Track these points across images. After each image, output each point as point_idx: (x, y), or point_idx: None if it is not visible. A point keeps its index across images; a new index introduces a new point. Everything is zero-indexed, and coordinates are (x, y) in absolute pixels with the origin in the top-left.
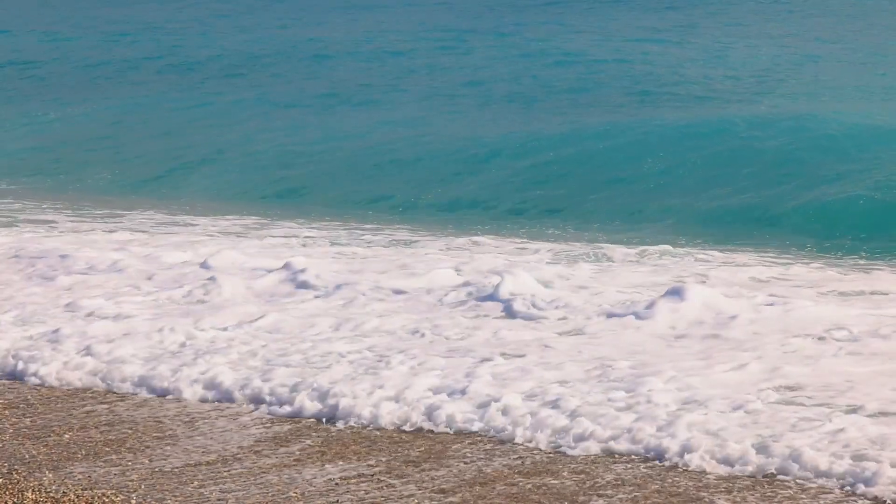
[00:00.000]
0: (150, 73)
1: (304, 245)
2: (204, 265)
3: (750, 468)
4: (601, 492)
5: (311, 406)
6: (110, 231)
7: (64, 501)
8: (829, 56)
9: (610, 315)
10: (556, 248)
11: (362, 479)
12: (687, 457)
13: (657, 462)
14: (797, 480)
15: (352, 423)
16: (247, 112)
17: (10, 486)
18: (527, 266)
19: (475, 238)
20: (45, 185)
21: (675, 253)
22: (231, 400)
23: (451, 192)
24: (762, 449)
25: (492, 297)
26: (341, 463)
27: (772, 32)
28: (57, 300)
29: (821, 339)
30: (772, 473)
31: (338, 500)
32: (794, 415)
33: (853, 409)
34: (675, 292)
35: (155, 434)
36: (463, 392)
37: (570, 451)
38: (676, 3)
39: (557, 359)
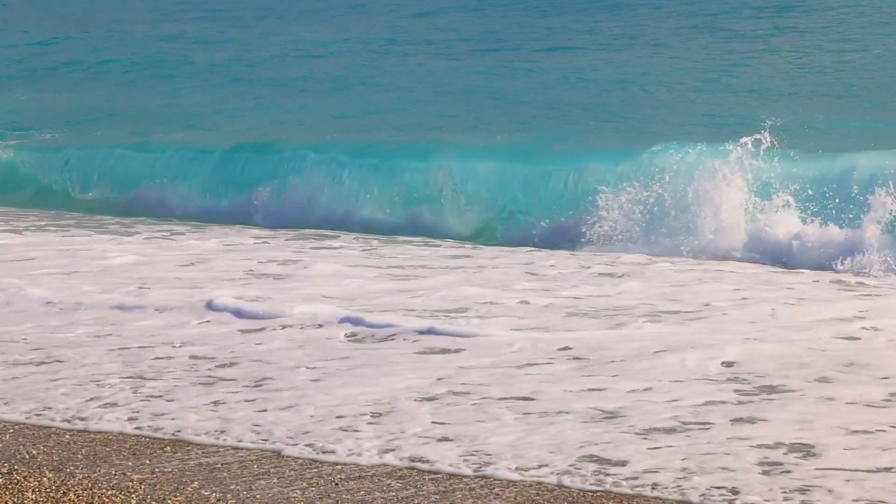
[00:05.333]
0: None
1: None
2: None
3: None
4: None
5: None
6: None
7: (64, 501)
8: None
9: None
10: None
11: (363, 478)
12: None
13: None
14: None
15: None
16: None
17: (10, 486)
18: None
19: None
20: None
21: None
22: None
23: None
24: None
25: None
26: (339, 465)
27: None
28: None
29: None
30: None
31: (338, 500)
32: None
33: None
34: None
35: (155, 434)
36: None
37: None
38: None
39: None
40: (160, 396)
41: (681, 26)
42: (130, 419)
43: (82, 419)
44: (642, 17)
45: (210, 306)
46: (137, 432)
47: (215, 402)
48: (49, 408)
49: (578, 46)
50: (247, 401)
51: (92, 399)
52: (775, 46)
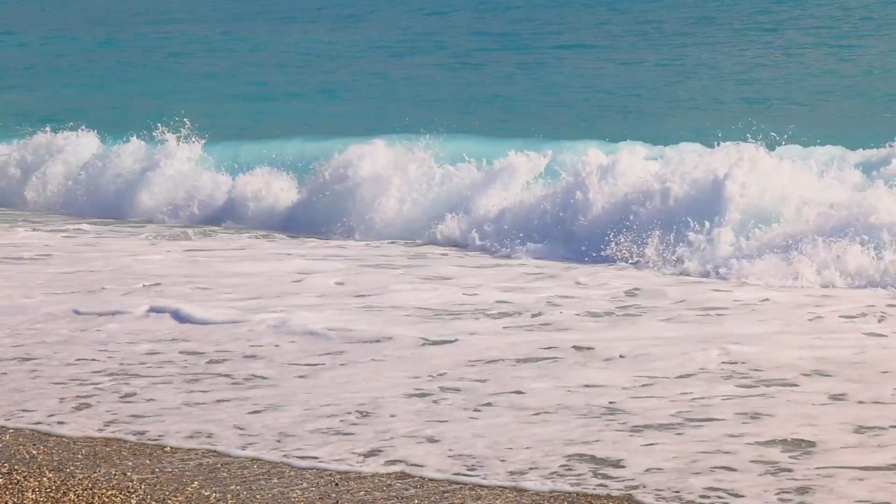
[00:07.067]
0: None
1: None
2: None
3: None
4: None
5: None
6: None
7: (64, 501)
8: None
9: None
10: None
11: (363, 478)
12: None
13: None
14: None
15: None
16: None
17: (10, 486)
18: None
19: None
20: None
21: None
22: None
23: None
24: None
25: None
26: (339, 465)
27: None
28: None
29: None
30: None
31: (338, 500)
32: None
33: None
34: None
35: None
36: None
37: None
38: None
39: None
40: (137, 394)
41: (685, 20)
42: (109, 423)
43: (61, 423)
44: (652, 13)
45: (151, 310)
46: (118, 436)
47: (196, 404)
48: (28, 410)
49: (581, 45)
50: (231, 401)
51: (66, 400)
52: (783, 43)
